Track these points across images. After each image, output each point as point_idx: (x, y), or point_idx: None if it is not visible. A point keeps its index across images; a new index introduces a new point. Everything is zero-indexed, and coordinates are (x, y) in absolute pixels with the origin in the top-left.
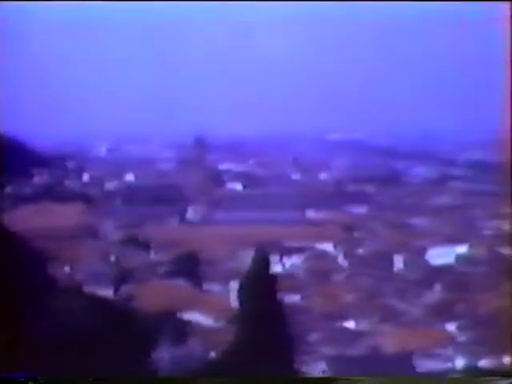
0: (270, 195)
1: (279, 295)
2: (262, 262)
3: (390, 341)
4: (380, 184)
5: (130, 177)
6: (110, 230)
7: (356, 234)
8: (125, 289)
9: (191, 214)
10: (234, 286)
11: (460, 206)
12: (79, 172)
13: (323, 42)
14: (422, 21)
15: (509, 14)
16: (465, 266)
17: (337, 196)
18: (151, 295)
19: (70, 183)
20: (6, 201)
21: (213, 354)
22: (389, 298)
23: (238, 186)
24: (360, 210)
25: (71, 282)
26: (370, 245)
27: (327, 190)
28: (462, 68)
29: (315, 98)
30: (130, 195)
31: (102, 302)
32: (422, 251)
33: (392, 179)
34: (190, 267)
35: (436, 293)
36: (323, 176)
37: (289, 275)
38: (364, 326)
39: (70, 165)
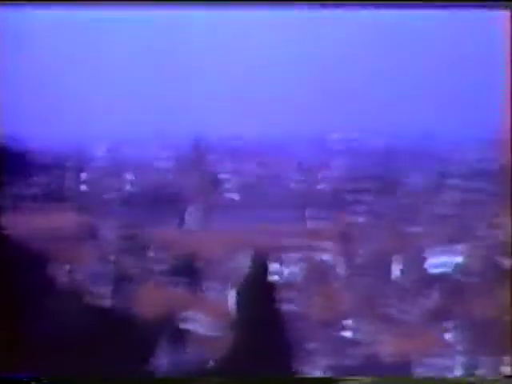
0: (268, 197)
1: (277, 301)
2: (260, 268)
3: (388, 347)
4: (378, 187)
5: (128, 178)
6: (109, 231)
7: (354, 239)
8: (123, 290)
9: (189, 215)
10: (232, 290)
11: (459, 210)
12: (77, 173)
13: (322, 43)
14: (421, 21)
15: (509, 14)
16: (462, 272)
17: (335, 198)
18: (149, 297)
19: (68, 184)
20: (4, 201)
21: (210, 359)
22: (386, 304)
23: (237, 188)
24: (358, 214)
25: (70, 283)
26: (368, 248)
27: (325, 192)
28: (461, 68)
29: (314, 98)
30: (129, 197)
31: (100, 303)
32: (420, 257)
33: (391, 182)
34: (188, 269)
35: (434, 300)
36: (321, 177)
37: (287, 281)
38: (361, 332)
39: (69, 165)
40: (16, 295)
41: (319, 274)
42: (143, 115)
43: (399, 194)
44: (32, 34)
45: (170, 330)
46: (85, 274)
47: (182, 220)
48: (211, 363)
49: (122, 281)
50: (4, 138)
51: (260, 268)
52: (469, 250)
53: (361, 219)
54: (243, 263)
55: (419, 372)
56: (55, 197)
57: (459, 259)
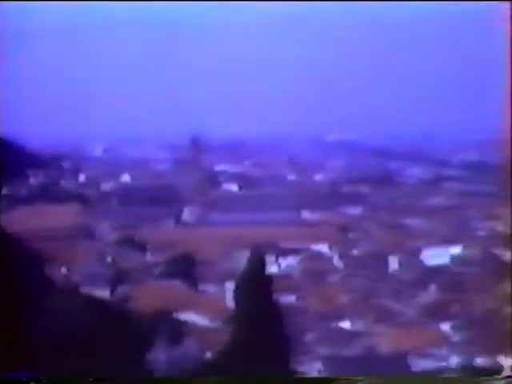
0: (265, 196)
1: (275, 296)
2: (258, 263)
3: (385, 341)
4: (375, 185)
5: (125, 177)
6: (106, 230)
7: (351, 235)
8: (121, 289)
9: (187, 214)
10: (230, 286)
11: (454, 207)
12: (75, 172)
13: (321, 43)
14: (421, 21)
15: (509, 14)
16: (459, 266)
17: (332, 197)
18: (147, 296)
19: (66, 184)
20: (2, 202)
21: (209, 355)
22: (384, 298)
23: (234, 187)
24: (355, 210)
25: (68, 283)
26: (365, 245)
27: (322, 191)
28: (461, 68)
29: (312, 98)
30: (126, 196)
31: (99, 303)
32: (417, 252)
33: (387, 180)
34: (185, 268)
35: (431, 293)
36: (318, 177)
37: (284, 276)
38: (359, 326)
39: (66, 165)
40: (15, 295)
41: (316, 268)
42: (142, 114)
43: (397, 188)
44: (32, 34)
45: (169, 328)
46: (82, 273)
47: (179, 218)
48: (210, 357)
49: (119, 280)
50: (1, 138)
51: (258, 263)
52: (468, 243)
53: (358, 212)
54: (241, 260)
55: (415, 363)
56: (53, 196)
57: (457, 250)
